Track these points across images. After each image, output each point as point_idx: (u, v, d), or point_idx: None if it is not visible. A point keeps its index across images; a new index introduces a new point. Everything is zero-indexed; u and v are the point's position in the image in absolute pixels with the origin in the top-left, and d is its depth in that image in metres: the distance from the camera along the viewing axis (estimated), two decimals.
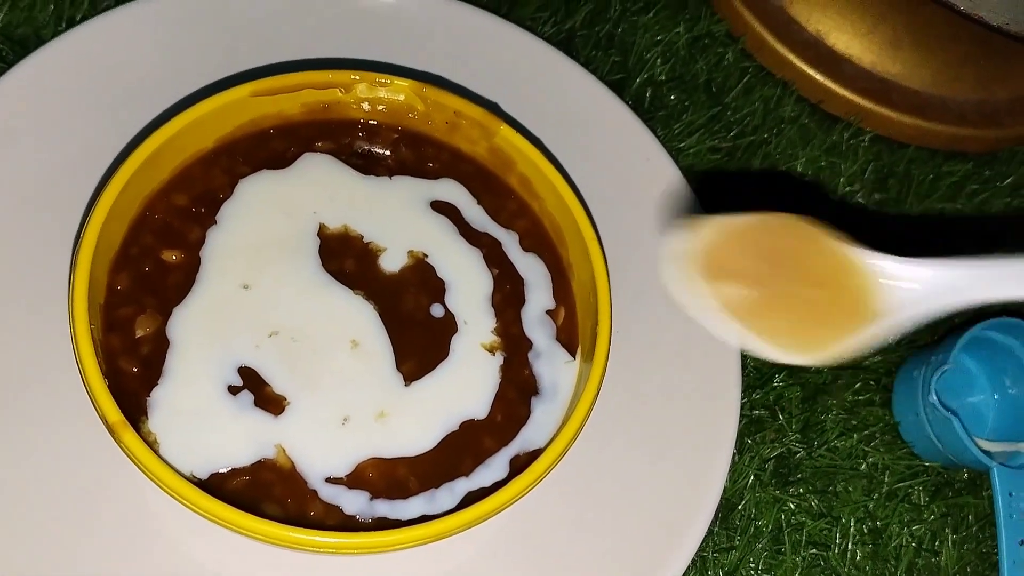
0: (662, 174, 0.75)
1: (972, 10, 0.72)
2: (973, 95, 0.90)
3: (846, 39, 0.89)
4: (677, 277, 0.47)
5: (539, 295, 0.65)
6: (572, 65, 0.77)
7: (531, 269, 0.66)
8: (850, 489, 0.74)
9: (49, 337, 0.61)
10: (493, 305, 0.64)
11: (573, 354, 0.64)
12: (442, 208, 0.67)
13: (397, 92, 0.66)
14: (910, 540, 0.74)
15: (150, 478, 0.54)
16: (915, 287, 0.44)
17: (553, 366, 0.63)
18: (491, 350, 0.63)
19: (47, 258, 0.63)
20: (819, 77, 0.87)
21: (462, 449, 0.60)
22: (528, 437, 0.61)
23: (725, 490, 0.68)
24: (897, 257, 0.44)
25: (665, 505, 0.65)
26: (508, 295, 0.65)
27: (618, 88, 0.81)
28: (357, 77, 0.66)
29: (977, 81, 0.89)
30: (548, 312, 0.65)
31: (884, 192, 0.86)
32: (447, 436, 0.59)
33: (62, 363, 0.59)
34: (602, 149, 0.75)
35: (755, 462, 0.72)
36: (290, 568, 0.59)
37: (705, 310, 0.48)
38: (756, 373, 0.75)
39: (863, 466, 0.75)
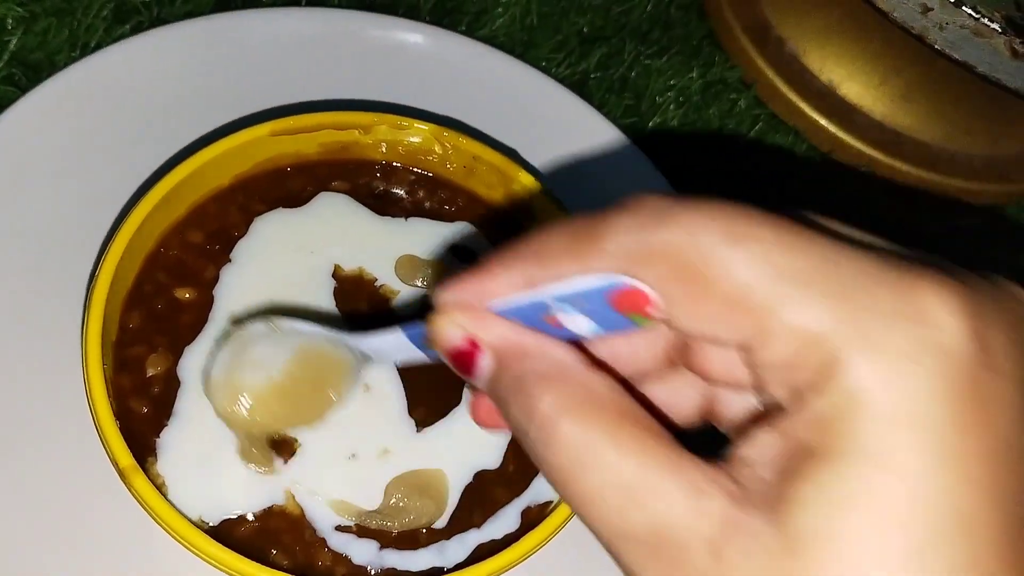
0: None
1: (990, 72, 0.72)
2: (983, 149, 0.90)
3: (858, 90, 0.89)
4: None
5: None
6: (589, 111, 0.77)
7: None
8: None
9: (58, 371, 0.60)
10: None
11: None
12: (457, 251, 0.66)
13: (416, 135, 0.66)
14: None
15: (160, 524, 0.53)
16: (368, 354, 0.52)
17: None
18: None
19: (56, 291, 0.62)
20: (831, 127, 0.87)
21: (473, 500, 0.59)
22: (539, 488, 0.60)
23: None
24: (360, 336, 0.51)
25: None
26: None
27: (630, 132, 0.81)
28: (377, 119, 0.65)
29: (987, 135, 0.90)
30: None
31: (895, 244, 0.86)
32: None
33: (70, 399, 0.58)
34: (616, 197, 0.75)
35: None
36: None
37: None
38: None
39: None
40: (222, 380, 0.53)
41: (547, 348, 0.36)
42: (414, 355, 0.47)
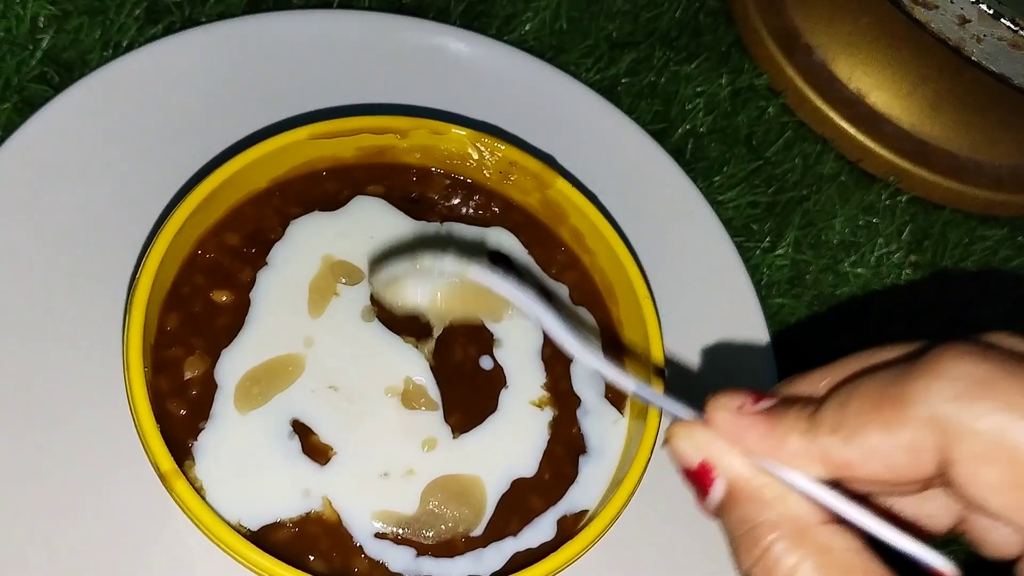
0: (705, 228, 0.75)
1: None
2: (1009, 160, 0.90)
3: (887, 99, 0.89)
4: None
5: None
6: (620, 116, 0.77)
7: (581, 324, 0.65)
8: None
9: (98, 374, 0.60)
10: (543, 359, 0.63)
11: (621, 412, 0.63)
12: (493, 257, 0.66)
13: (454, 141, 0.66)
14: None
15: (200, 529, 0.53)
16: None
17: (601, 425, 0.63)
18: (540, 406, 0.62)
19: (94, 294, 0.62)
20: (859, 136, 0.87)
21: (510, 508, 0.59)
22: (575, 497, 0.60)
23: None
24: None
25: (712, 564, 0.65)
26: (558, 350, 0.64)
27: (659, 138, 0.81)
28: (415, 124, 0.65)
29: (1014, 147, 0.90)
30: None
31: (920, 254, 0.86)
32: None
33: (110, 402, 0.58)
34: (647, 203, 0.75)
35: None
36: None
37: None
38: None
39: None
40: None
41: (788, 501, 0.34)
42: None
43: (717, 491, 0.36)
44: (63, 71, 0.74)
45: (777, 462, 0.35)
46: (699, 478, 0.36)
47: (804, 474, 0.35)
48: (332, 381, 0.60)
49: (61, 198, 0.65)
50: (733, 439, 0.36)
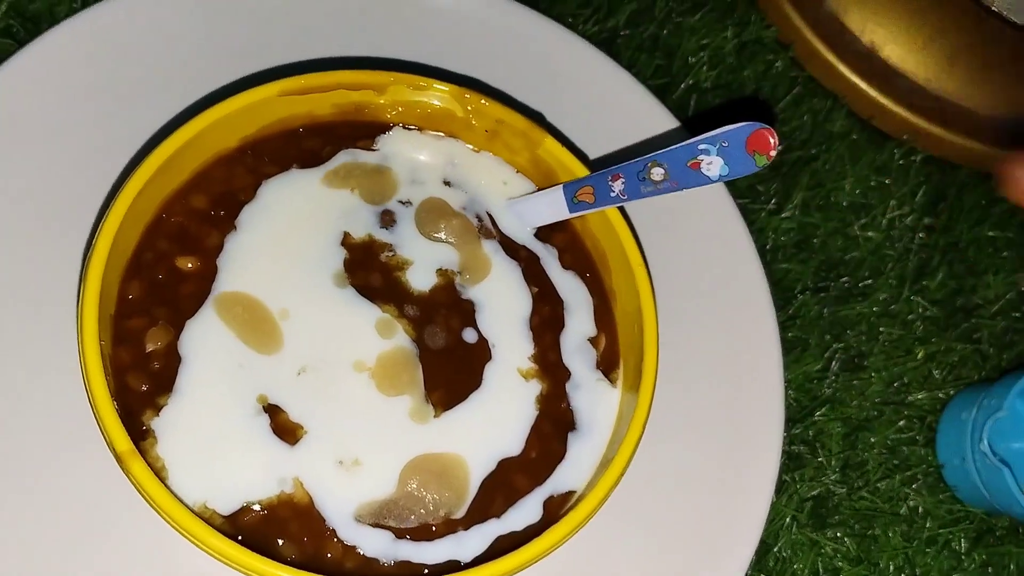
0: (708, 190, 0.71)
1: None
2: None
3: (901, 52, 0.84)
4: None
5: (579, 320, 0.61)
6: (618, 70, 0.73)
7: (572, 290, 0.62)
8: (889, 534, 0.70)
9: (53, 347, 0.56)
10: (531, 328, 0.60)
11: (613, 385, 0.60)
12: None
13: (436, 97, 0.62)
14: None
15: (159, 512, 0.49)
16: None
17: (592, 400, 0.59)
18: (526, 377, 0.59)
19: (53, 260, 0.58)
20: (871, 91, 0.82)
21: (494, 488, 0.56)
22: (563, 477, 0.57)
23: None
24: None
25: (701, 546, 0.62)
26: (547, 318, 0.60)
27: (661, 93, 0.76)
28: (394, 79, 0.61)
29: None
30: (589, 340, 0.61)
31: (934, 217, 0.81)
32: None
33: (66, 376, 0.54)
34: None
35: (793, 502, 0.68)
36: None
37: None
38: (797, 406, 0.71)
39: (903, 509, 0.71)
40: None
41: None
42: (560, 215, 0.61)
43: None
44: (30, 24, 0.70)
45: None
46: None
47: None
48: (303, 357, 0.56)
49: (18, 160, 0.61)
50: None
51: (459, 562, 0.53)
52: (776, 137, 0.52)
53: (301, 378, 0.55)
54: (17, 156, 0.61)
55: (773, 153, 0.53)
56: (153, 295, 0.56)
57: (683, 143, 0.55)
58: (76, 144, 0.62)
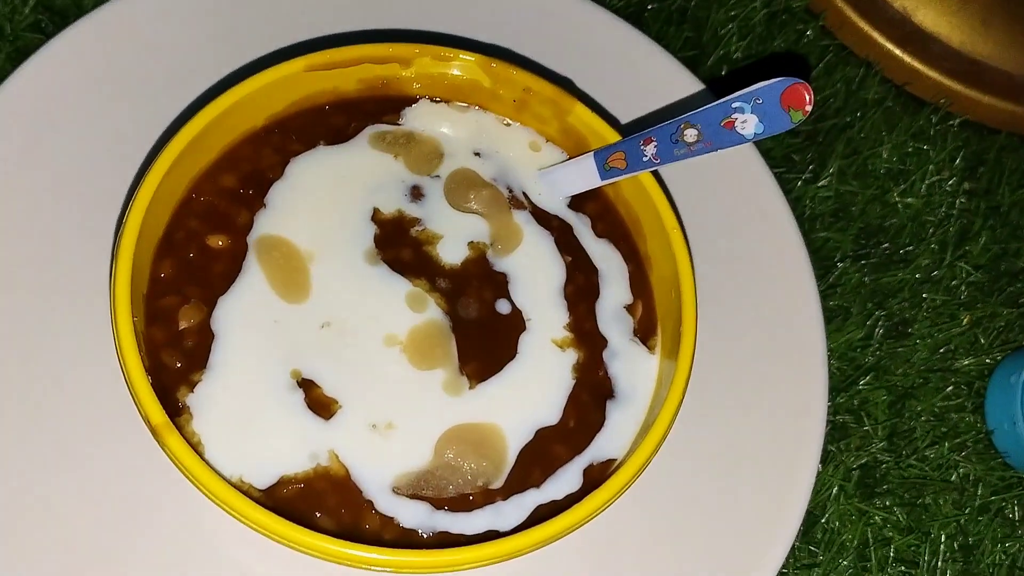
0: (742, 158, 0.70)
1: None
2: None
3: (934, 16, 0.83)
4: None
5: (615, 288, 0.60)
6: (646, 40, 0.72)
7: (606, 258, 0.61)
8: (940, 502, 0.69)
9: (88, 328, 0.56)
10: (565, 297, 0.59)
11: (651, 351, 0.59)
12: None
13: (462, 68, 0.61)
14: (1004, 558, 0.68)
15: (196, 485, 0.49)
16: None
17: (630, 367, 0.58)
18: (562, 347, 0.58)
19: (87, 243, 0.59)
20: (905, 57, 0.81)
21: (532, 458, 0.55)
22: (602, 445, 0.56)
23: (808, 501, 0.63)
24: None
25: (746, 519, 0.60)
26: (582, 287, 0.60)
27: (691, 65, 0.75)
28: (419, 51, 0.61)
29: None
30: (625, 307, 0.60)
31: (974, 181, 0.80)
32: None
33: (103, 357, 0.54)
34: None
35: (839, 472, 0.67)
36: None
37: None
38: (840, 375, 0.70)
39: (953, 477, 0.70)
40: None
41: None
42: (591, 183, 0.60)
43: None
44: (57, 18, 0.70)
45: None
46: None
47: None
48: (337, 331, 0.56)
49: (49, 147, 0.61)
50: None
51: (498, 532, 0.53)
52: (811, 92, 0.51)
53: (335, 354, 0.55)
54: (47, 145, 0.61)
55: (808, 108, 0.52)
56: (185, 274, 0.56)
57: (717, 102, 0.54)
58: (105, 130, 0.62)
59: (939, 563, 0.67)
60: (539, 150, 0.63)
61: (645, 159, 0.58)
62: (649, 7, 0.79)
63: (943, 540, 0.68)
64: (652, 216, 0.59)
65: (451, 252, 0.59)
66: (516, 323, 0.58)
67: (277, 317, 0.56)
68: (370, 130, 0.61)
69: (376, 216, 0.59)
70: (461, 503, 0.53)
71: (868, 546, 0.66)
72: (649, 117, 0.69)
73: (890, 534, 0.67)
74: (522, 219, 0.61)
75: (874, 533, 0.67)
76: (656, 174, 0.61)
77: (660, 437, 0.53)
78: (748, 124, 0.54)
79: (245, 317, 0.55)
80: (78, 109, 0.63)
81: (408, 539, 0.52)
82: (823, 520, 0.66)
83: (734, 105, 0.54)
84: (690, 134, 0.56)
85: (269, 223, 0.58)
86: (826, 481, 0.67)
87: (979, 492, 0.70)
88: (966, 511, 0.69)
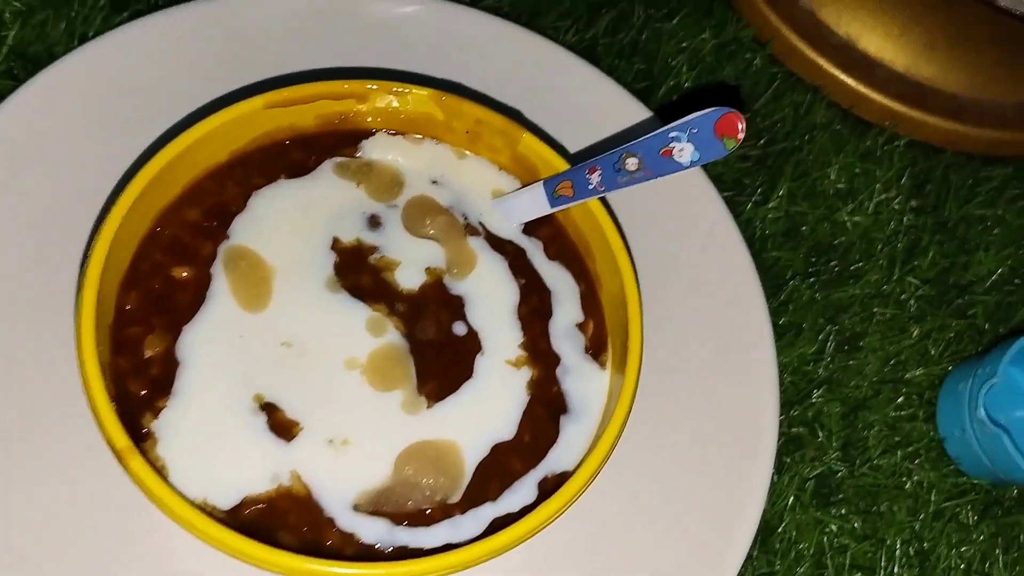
0: (690, 182, 0.73)
1: (1013, 6, 0.69)
2: (1011, 97, 0.86)
3: (878, 42, 0.86)
4: None
5: (566, 307, 0.62)
6: (594, 72, 0.75)
7: (558, 279, 0.63)
8: (895, 509, 0.71)
9: (55, 358, 0.58)
10: (520, 318, 0.61)
11: (602, 367, 0.61)
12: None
13: (415, 101, 0.64)
14: (959, 562, 0.70)
15: (159, 506, 0.51)
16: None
17: (583, 383, 0.60)
18: (516, 365, 0.60)
19: (55, 276, 0.61)
20: (851, 82, 0.84)
21: (489, 472, 0.57)
22: (557, 458, 0.58)
23: (764, 512, 0.65)
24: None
25: (702, 529, 0.62)
26: (535, 307, 0.62)
27: (643, 96, 0.78)
28: (374, 87, 0.63)
29: (1015, 83, 0.86)
30: (577, 325, 0.62)
31: (921, 199, 0.82)
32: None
33: (71, 387, 0.56)
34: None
35: (795, 482, 0.69)
36: None
37: None
38: (794, 388, 0.72)
39: (908, 485, 0.72)
40: None
41: None
42: (542, 210, 0.63)
43: None
44: (29, 65, 0.73)
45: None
46: None
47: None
48: (298, 352, 0.58)
49: (21, 187, 0.64)
50: None
51: (456, 545, 0.54)
52: (743, 121, 0.54)
53: (296, 377, 0.57)
54: (20, 184, 0.64)
55: (741, 136, 0.54)
56: (150, 305, 0.58)
57: (654, 132, 0.57)
58: (73, 167, 0.65)
59: (896, 569, 0.69)
60: (492, 180, 0.66)
61: (591, 187, 0.60)
62: (601, 41, 0.82)
63: (899, 546, 0.69)
64: (599, 238, 0.62)
65: (409, 278, 0.62)
66: (472, 344, 0.60)
67: (242, 332, 0.58)
68: (330, 162, 0.64)
69: (336, 245, 0.62)
70: (420, 518, 0.55)
71: (825, 554, 0.68)
72: (599, 145, 0.71)
73: (846, 542, 0.69)
74: (477, 245, 0.63)
75: (831, 541, 0.69)
76: (605, 200, 0.63)
77: (608, 448, 0.55)
78: (685, 152, 0.56)
79: (210, 337, 0.57)
80: (49, 149, 0.66)
81: (369, 554, 0.54)
82: (780, 530, 0.68)
83: (671, 135, 0.56)
84: (631, 162, 0.58)
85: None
86: (782, 492, 0.69)
87: (933, 498, 0.71)
88: (920, 517, 0.71)
